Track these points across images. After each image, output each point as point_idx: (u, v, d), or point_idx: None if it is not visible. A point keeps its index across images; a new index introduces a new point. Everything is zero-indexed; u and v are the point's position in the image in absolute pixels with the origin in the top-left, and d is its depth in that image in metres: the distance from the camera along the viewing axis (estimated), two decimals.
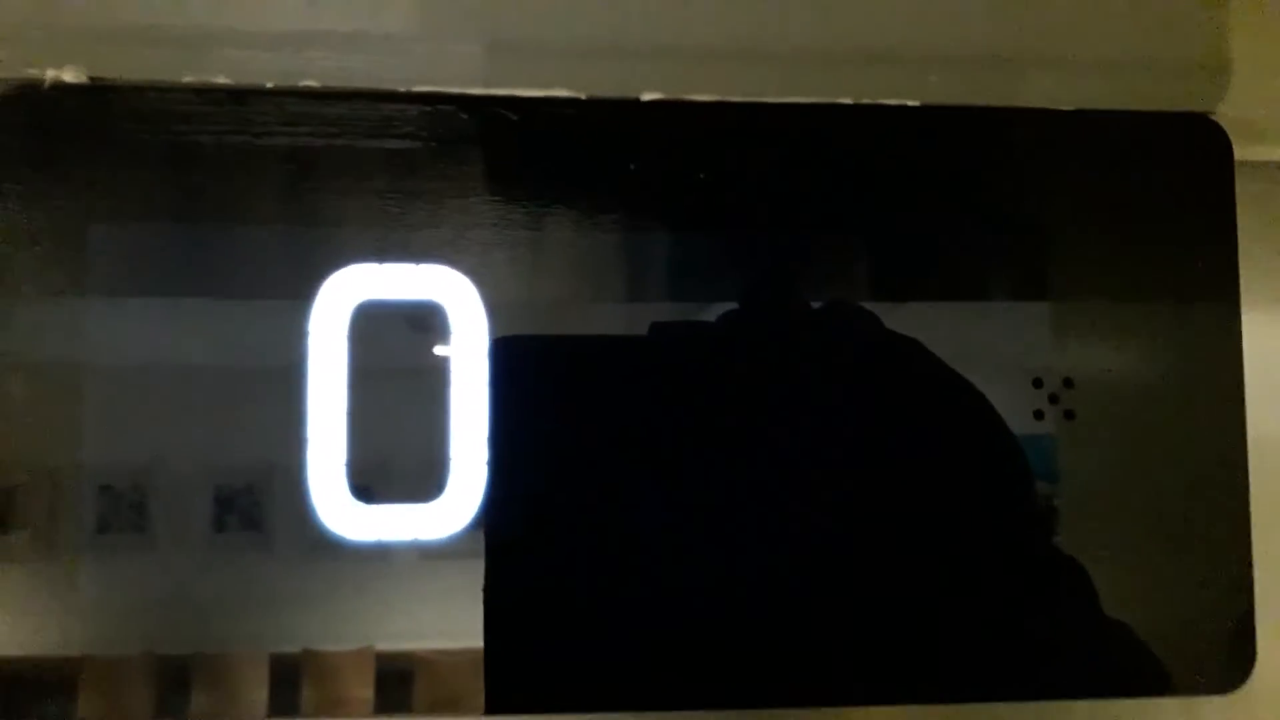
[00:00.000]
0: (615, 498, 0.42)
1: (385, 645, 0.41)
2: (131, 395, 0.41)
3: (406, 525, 0.41)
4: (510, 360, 0.42)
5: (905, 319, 0.43)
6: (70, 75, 0.41)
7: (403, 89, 0.42)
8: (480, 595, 0.41)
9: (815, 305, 0.43)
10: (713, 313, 0.43)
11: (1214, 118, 0.44)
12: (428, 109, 0.42)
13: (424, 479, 0.41)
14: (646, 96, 0.43)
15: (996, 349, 0.44)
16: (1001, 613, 0.43)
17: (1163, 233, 0.44)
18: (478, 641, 0.41)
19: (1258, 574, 0.43)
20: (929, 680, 0.42)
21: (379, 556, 0.41)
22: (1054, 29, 0.42)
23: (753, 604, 0.42)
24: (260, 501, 0.42)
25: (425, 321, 0.42)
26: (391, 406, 0.42)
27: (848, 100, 0.43)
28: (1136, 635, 0.43)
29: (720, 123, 0.43)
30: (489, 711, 0.41)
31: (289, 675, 0.41)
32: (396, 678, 0.41)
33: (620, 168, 0.43)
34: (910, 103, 0.43)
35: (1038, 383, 0.44)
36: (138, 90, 0.41)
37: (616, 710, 0.42)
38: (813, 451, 0.42)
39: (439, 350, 0.42)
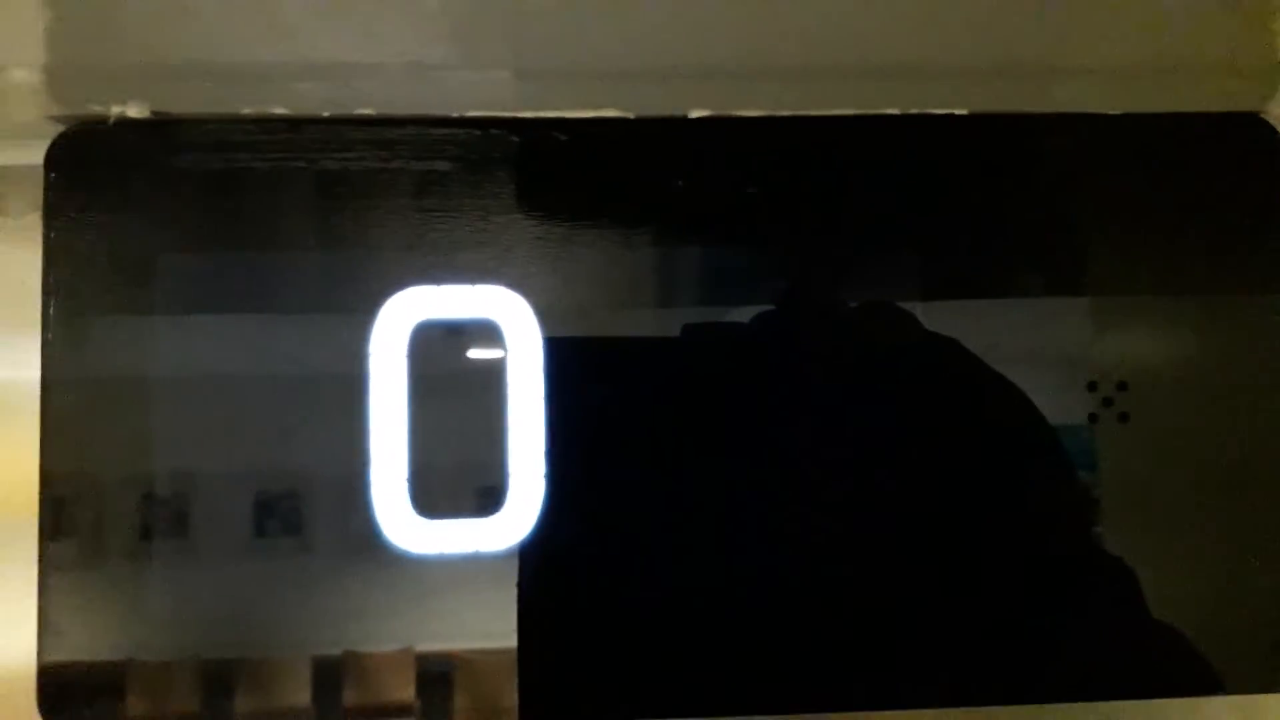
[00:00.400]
0: (663, 505, 0.42)
1: (424, 647, 0.42)
2: (193, 411, 0.42)
3: (466, 538, 0.42)
4: (565, 362, 0.42)
5: (957, 324, 0.43)
6: (134, 110, 0.42)
7: (455, 114, 0.43)
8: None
9: (853, 305, 0.43)
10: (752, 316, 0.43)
11: (1264, 116, 0.44)
12: (478, 133, 0.43)
13: (482, 493, 0.42)
14: (694, 114, 0.43)
15: (1050, 352, 0.44)
16: (1048, 614, 0.43)
17: (1215, 233, 0.44)
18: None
19: None
20: (974, 682, 0.43)
21: (439, 567, 0.42)
22: (1101, 33, 0.42)
23: (799, 607, 0.42)
24: (321, 515, 0.42)
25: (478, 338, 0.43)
26: (450, 421, 0.42)
27: (895, 111, 0.44)
28: (1184, 635, 0.43)
29: (768, 138, 0.44)
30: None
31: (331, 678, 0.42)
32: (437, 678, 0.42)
33: (669, 185, 0.43)
34: (958, 111, 0.44)
35: (1092, 386, 0.44)
36: (199, 123, 0.43)
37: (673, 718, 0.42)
38: (863, 455, 0.43)
39: (495, 360, 0.43)
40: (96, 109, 0.42)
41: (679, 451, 0.42)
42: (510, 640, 0.41)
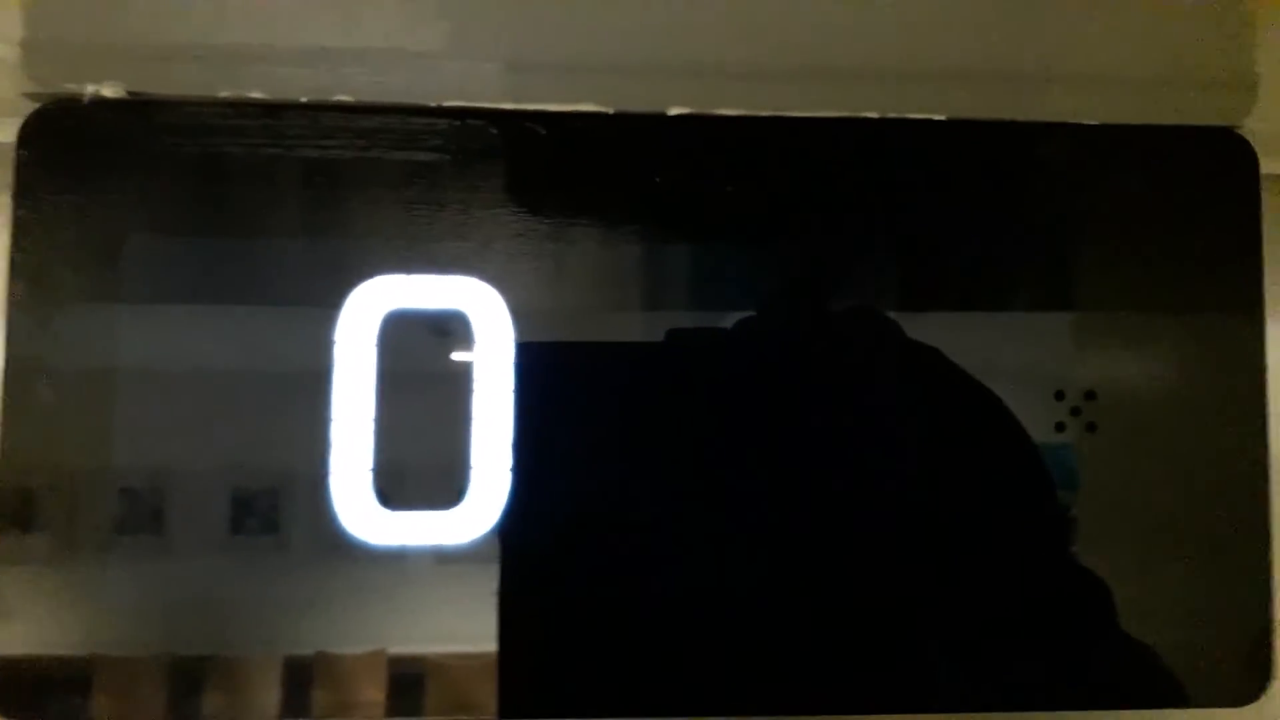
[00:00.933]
0: (635, 504, 0.42)
1: (398, 649, 0.42)
2: (159, 400, 0.42)
3: (429, 531, 0.42)
4: (535, 365, 0.42)
5: (928, 331, 0.43)
6: (109, 90, 0.42)
7: (433, 104, 0.43)
8: (495, 601, 0.41)
9: (836, 311, 0.43)
10: (734, 321, 0.43)
11: (1240, 132, 0.44)
12: (457, 123, 0.43)
13: (447, 486, 0.42)
14: (673, 111, 0.43)
15: (1019, 361, 0.44)
16: (1018, 623, 0.43)
17: (1188, 246, 0.44)
18: (491, 646, 0.41)
19: (1277, 587, 0.43)
20: (943, 690, 0.43)
21: (399, 560, 0.42)
22: (1080, 44, 0.42)
23: (770, 611, 0.42)
24: (280, 506, 0.42)
25: (449, 329, 0.43)
26: (417, 414, 0.42)
27: (874, 114, 0.44)
28: (1151, 648, 0.43)
29: (746, 137, 0.43)
30: (502, 716, 0.42)
31: (301, 678, 0.42)
32: (408, 681, 0.42)
33: (646, 181, 0.43)
34: (936, 116, 0.44)
35: (1059, 395, 0.44)
36: (175, 105, 0.42)
37: (632, 718, 0.42)
38: (834, 460, 0.43)
39: (464, 358, 0.42)
40: (72, 87, 0.42)
41: (647, 448, 0.42)
42: (478, 638, 0.41)
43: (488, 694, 0.41)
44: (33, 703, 0.41)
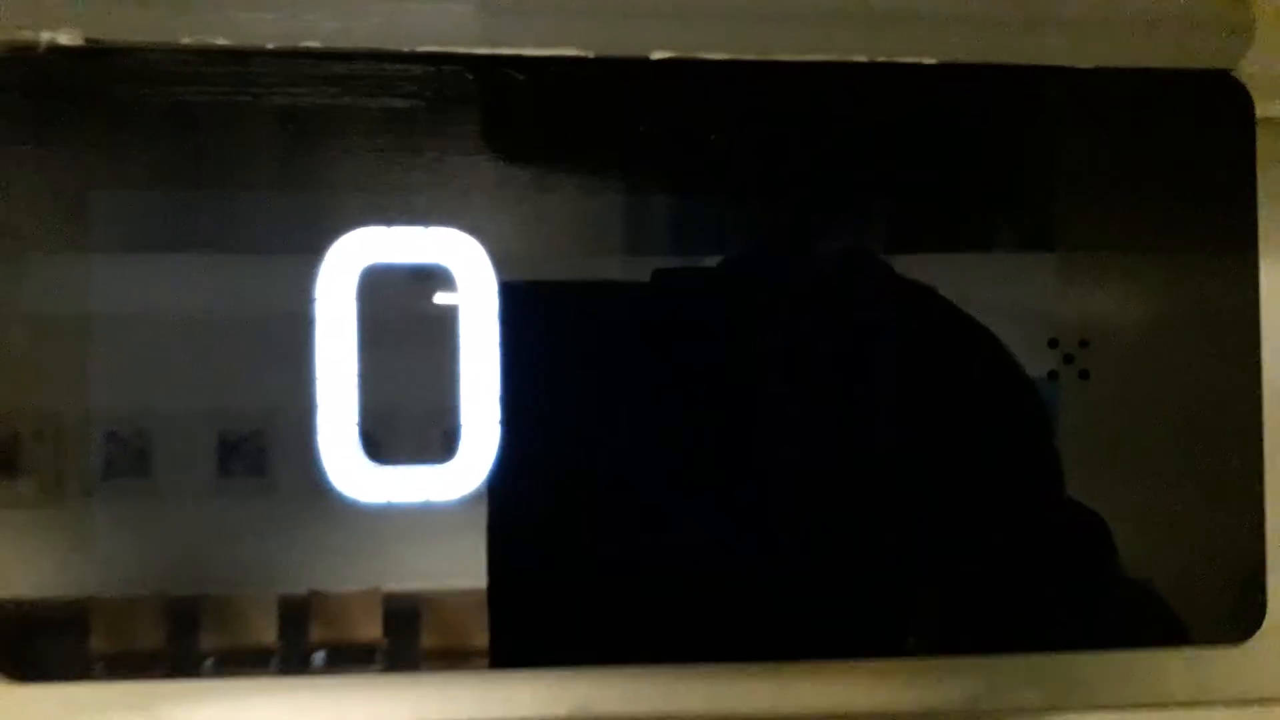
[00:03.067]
0: (623, 452, 0.42)
1: (392, 586, 0.42)
2: (133, 351, 0.41)
3: (418, 486, 0.41)
4: (520, 306, 0.41)
5: (920, 276, 0.43)
6: (66, 38, 0.40)
7: (406, 49, 0.41)
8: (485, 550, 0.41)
9: (827, 251, 0.43)
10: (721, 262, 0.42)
11: (1235, 75, 0.44)
12: (432, 69, 0.41)
13: (434, 439, 0.41)
14: (656, 55, 0.42)
15: (1011, 308, 0.43)
16: (1015, 562, 0.43)
17: (1182, 190, 0.44)
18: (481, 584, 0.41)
19: (1270, 526, 0.44)
20: (939, 632, 0.43)
21: (391, 514, 0.41)
22: None
23: (761, 557, 0.42)
24: (269, 455, 0.42)
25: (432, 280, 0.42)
26: (401, 368, 0.41)
27: (862, 58, 0.43)
28: (1147, 585, 0.43)
29: (731, 82, 0.42)
30: (494, 665, 0.42)
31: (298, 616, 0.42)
32: (404, 618, 0.42)
33: (630, 128, 0.42)
34: (926, 60, 0.43)
35: (1053, 343, 0.43)
36: (135, 51, 0.41)
37: (625, 664, 0.42)
38: (826, 401, 0.42)
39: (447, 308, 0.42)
40: (26, 35, 0.40)
41: (638, 397, 0.42)
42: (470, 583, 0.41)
43: (482, 631, 0.41)
44: (32, 643, 0.40)
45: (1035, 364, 0.43)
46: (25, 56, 0.40)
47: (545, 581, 0.42)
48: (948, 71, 0.43)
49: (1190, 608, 0.44)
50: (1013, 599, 0.43)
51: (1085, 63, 0.43)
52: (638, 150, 0.42)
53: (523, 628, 0.42)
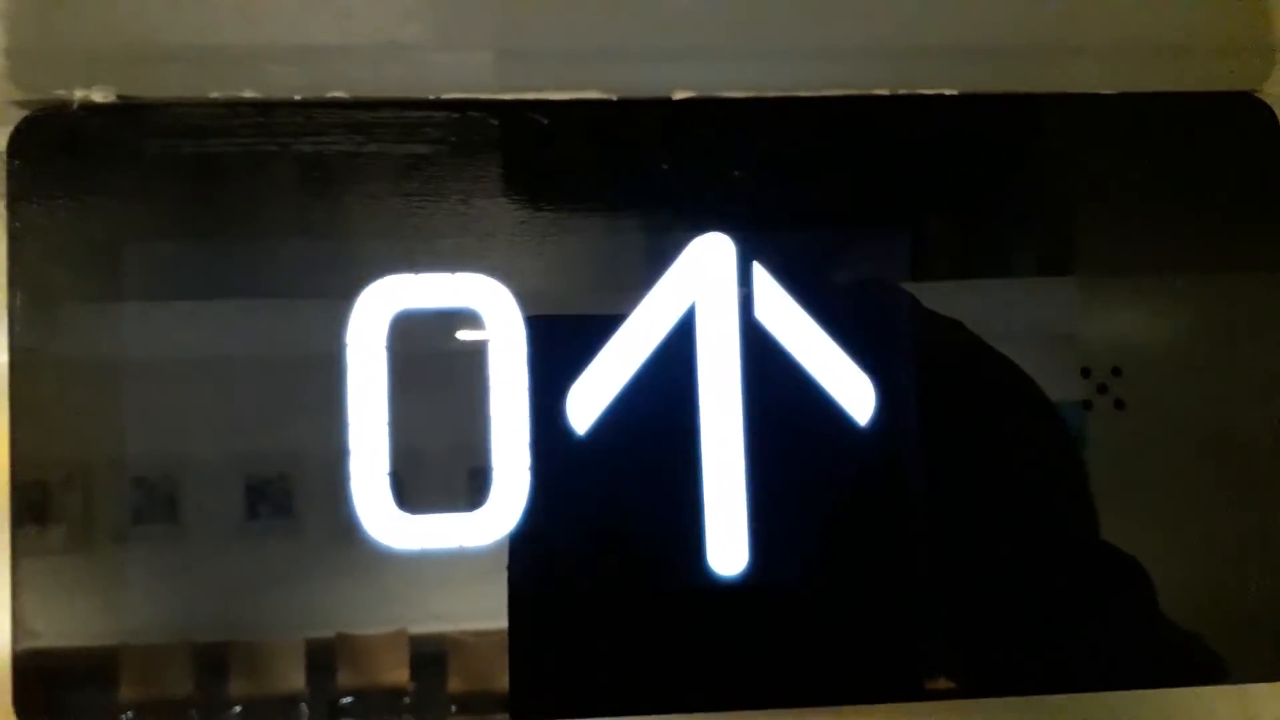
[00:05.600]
0: (654, 489, 0.41)
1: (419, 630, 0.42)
2: (163, 398, 0.41)
3: (448, 533, 0.41)
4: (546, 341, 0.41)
5: (950, 309, 0.42)
6: (99, 95, 0.41)
7: (431, 96, 0.42)
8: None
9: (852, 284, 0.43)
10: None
11: (1259, 95, 0.44)
12: (457, 115, 0.42)
13: (464, 484, 0.41)
14: (678, 95, 0.42)
15: (1041, 337, 0.43)
16: (1049, 601, 0.42)
17: (1211, 214, 0.44)
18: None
19: None
20: (973, 671, 0.42)
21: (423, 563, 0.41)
22: (1096, 13, 0.42)
23: (793, 597, 0.42)
24: (299, 501, 0.42)
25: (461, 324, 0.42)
26: (432, 413, 0.42)
27: (884, 91, 0.43)
28: (1187, 628, 0.42)
29: (753, 119, 0.43)
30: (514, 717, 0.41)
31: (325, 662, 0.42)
32: (430, 662, 0.42)
33: (653, 168, 0.42)
34: (948, 92, 0.43)
35: (1085, 372, 0.43)
36: (166, 107, 0.41)
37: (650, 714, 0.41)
38: (850, 441, 0.42)
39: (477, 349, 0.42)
40: (61, 93, 0.41)
41: (663, 430, 0.42)
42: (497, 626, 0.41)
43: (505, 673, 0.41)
44: (55, 695, 0.40)
45: (1068, 394, 0.43)
46: (60, 114, 0.41)
47: (568, 632, 0.41)
48: (970, 102, 0.43)
49: (1233, 644, 0.43)
50: (1048, 639, 0.42)
51: (1110, 88, 0.43)
52: (662, 189, 0.42)
53: (545, 678, 0.41)
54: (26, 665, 0.40)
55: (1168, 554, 0.42)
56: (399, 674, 0.42)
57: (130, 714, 0.41)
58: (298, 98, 0.42)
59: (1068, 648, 0.42)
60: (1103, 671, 0.42)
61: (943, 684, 0.42)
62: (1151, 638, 0.43)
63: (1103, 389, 0.43)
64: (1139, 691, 0.43)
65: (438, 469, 0.42)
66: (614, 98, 0.42)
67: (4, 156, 0.41)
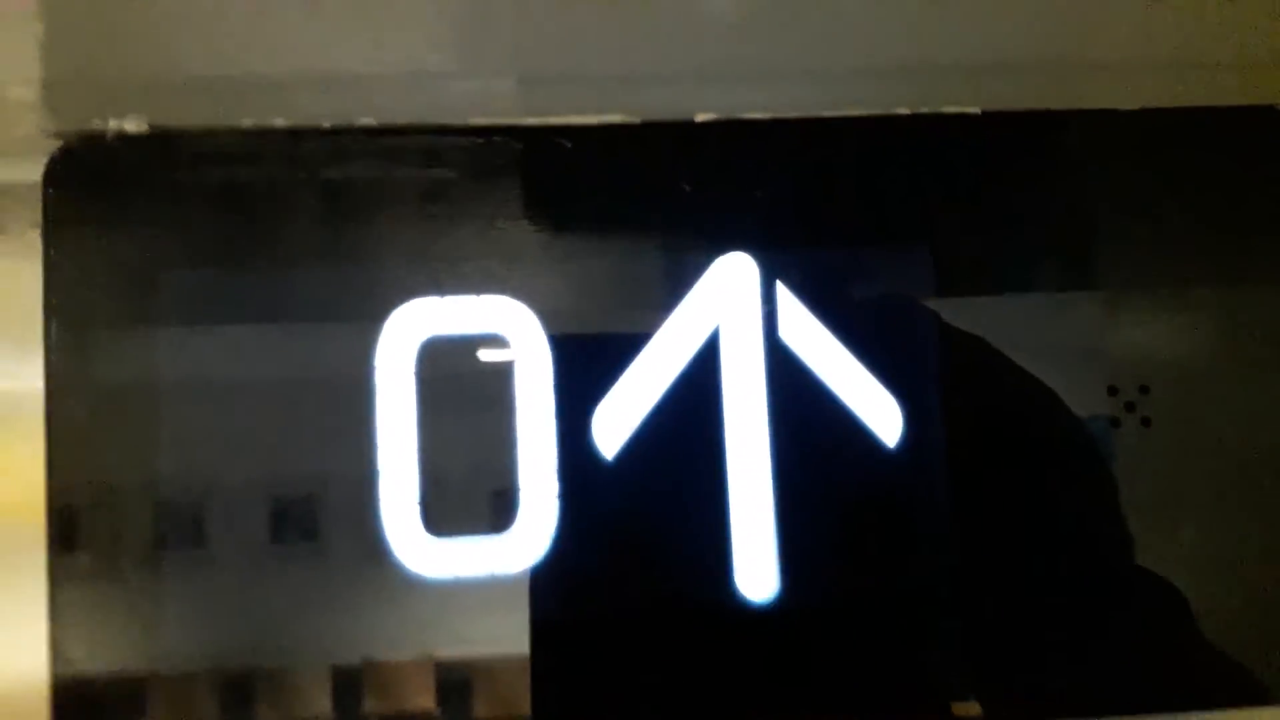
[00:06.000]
0: (676, 512, 0.42)
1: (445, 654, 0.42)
2: (198, 425, 0.42)
3: (479, 559, 0.41)
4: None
5: (974, 326, 0.42)
6: (132, 125, 0.42)
7: (458, 123, 0.42)
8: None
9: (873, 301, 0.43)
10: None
11: None
12: (482, 141, 0.42)
13: (492, 509, 0.42)
14: (700, 117, 0.43)
15: (1066, 355, 0.43)
16: (1080, 622, 0.42)
17: (1235, 228, 0.43)
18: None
19: None
20: (1002, 695, 0.42)
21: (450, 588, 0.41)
22: (1114, 29, 0.42)
23: (825, 619, 0.41)
24: (328, 527, 0.42)
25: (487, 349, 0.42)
26: (460, 438, 0.42)
27: (905, 110, 0.43)
28: (1228, 646, 0.42)
29: (777, 140, 0.43)
30: None
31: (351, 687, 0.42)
32: (458, 689, 0.42)
33: (676, 190, 0.43)
34: (971, 110, 0.43)
35: (1112, 390, 0.43)
36: (199, 136, 0.42)
37: None
38: (876, 461, 0.42)
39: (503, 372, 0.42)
40: (94, 124, 0.42)
41: (694, 456, 0.42)
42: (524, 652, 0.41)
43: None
44: None
45: (1094, 411, 0.42)
46: (94, 144, 0.42)
47: (595, 656, 0.41)
48: (993, 119, 0.43)
49: (1269, 665, 0.42)
50: (1079, 662, 0.42)
51: (1129, 104, 0.43)
52: (684, 211, 0.43)
53: (571, 703, 0.41)
54: (66, 692, 0.40)
55: (1200, 574, 0.42)
56: (425, 699, 0.42)
57: None
58: (327, 125, 0.42)
59: (1099, 670, 0.42)
60: (1134, 695, 0.42)
61: (973, 708, 0.42)
62: (1186, 659, 0.42)
63: (1130, 407, 0.43)
64: (1173, 715, 0.42)
65: (463, 492, 0.42)
66: (636, 120, 0.43)
67: (40, 187, 0.41)
